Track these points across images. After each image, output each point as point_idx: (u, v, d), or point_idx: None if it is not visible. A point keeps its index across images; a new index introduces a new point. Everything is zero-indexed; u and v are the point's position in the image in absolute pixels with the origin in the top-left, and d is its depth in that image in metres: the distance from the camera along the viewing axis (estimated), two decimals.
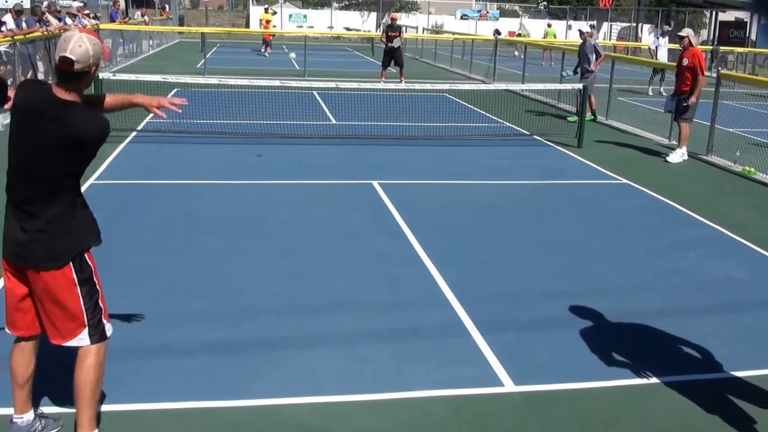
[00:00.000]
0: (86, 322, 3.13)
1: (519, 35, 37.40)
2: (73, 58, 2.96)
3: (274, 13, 33.13)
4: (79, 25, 16.99)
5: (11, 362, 3.25)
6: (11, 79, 12.70)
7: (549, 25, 33.44)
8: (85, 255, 3.19)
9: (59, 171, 3.07)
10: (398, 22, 19.53)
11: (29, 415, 3.31)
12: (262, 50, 28.23)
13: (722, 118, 11.63)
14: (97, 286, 3.21)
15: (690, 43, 10.86)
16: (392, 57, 18.13)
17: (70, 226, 3.12)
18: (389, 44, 18.04)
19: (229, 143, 10.55)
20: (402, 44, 18.52)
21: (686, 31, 11.20)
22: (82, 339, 3.15)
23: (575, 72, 14.37)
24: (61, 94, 3.04)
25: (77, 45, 2.97)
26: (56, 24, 15.40)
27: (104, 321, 3.23)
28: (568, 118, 13.83)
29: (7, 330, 3.15)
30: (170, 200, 7.53)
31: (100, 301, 3.22)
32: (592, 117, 13.89)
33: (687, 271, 6.27)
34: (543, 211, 7.91)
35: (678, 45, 12.41)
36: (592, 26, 35.41)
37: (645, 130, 13.30)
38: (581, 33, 14.48)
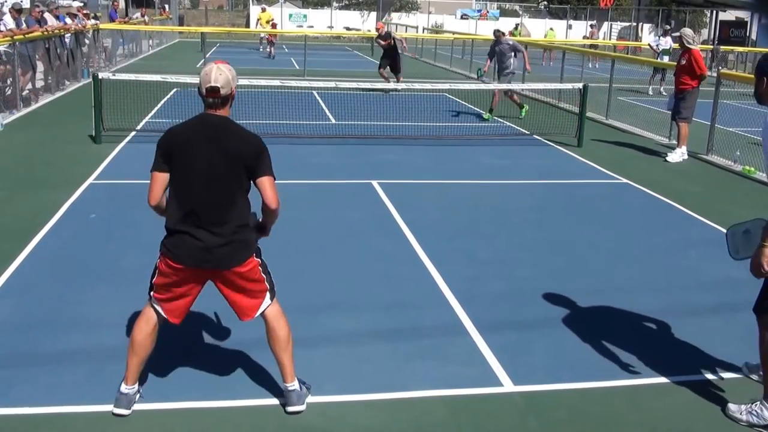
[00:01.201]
0: (268, 288, 3.72)
1: (515, 32, 37.32)
2: (219, 85, 3.47)
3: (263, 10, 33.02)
4: (80, 25, 16.97)
5: (142, 341, 3.66)
6: (11, 79, 12.71)
7: (551, 29, 33.42)
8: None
9: (234, 184, 3.53)
10: (387, 29, 18.25)
11: (135, 387, 3.71)
12: (269, 52, 27.36)
13: (722, 118, 11.62)
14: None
15: (686, 43, 10.85)
16: (390, 59, 17.03)
17: (247, 225, 3.65)
18: (383, 43, 16.99)
19: None
20: (403, 48, 17.55)
21: (684, 31, 11.20)
22: (266, 302, 3.72)
23: (481, 73, 14.47)
24: (215, 115, 3.56)
25: (218, 74, 3.49)
26: (56, 24, 15.38)
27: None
28: (521, 113, 14.01)
29: (169, 319, 3.68)
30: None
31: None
32: (522, 110, 14.09)
33: (687, 270, 6.27)
34: (543, 211, 7.91)
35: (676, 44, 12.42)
36: (593, 25, 35.37)
37: (645, 130, 13.30)
38: (496, 33, 14.34)
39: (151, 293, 3.68)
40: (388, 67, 17.04)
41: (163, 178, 3.51)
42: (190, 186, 3.48)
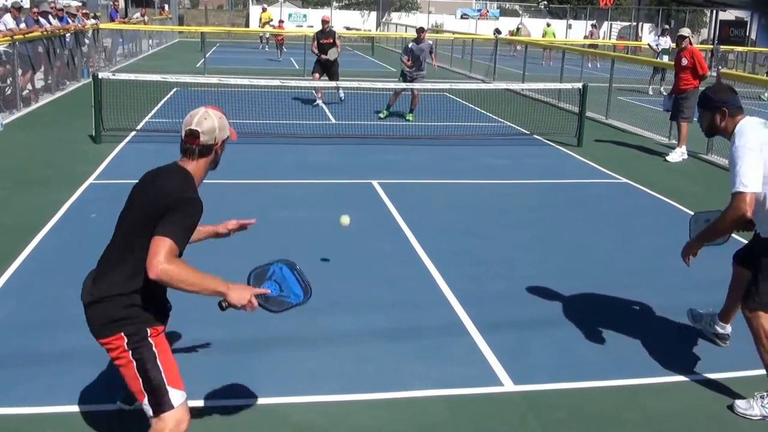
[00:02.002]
0: (145, 395, 2.97)
1: (516, 31, 37.32)
2: (200, 129, 3.02)
3: (264, 10, 32.96)
4: (79, 25, 16.97)
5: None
6: (11, 79, 12.71)
7: (548, 25, 33.44)
8: None
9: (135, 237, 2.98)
10: (333, 27, 15.03)
11: None
12: (278, 53, 26.79)
13: None
14: None
15: (690, 42, 10.87)
16: (325, 69, 14.21)
17: (124, 295, 3.05)
18: (323, 56, 14.09)
19: (229, 143, 10.53)
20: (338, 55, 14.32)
21: (683, 31, 11.20)
22: (146, 409, 3.00)
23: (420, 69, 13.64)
24: (184, 165, 3.08)
25: (203, 118, 3.04)
26: (56, 24, 15.38)
27: None
28: (382, 113, 13.49)
29: (182, 393, 2.99)
30: None
31: None
32: (383, 113, 13.53)
33: (687, 270, 6.23)
34: (543, 210, 7.91)
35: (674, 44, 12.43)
36: (594, 25, 35.29)
37: (645, 130, 13.29)
38: (421, 30, 13.40)
39: (169, 393, 2.94)
40: (325, 74, 14.19)
41: None
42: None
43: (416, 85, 13.20)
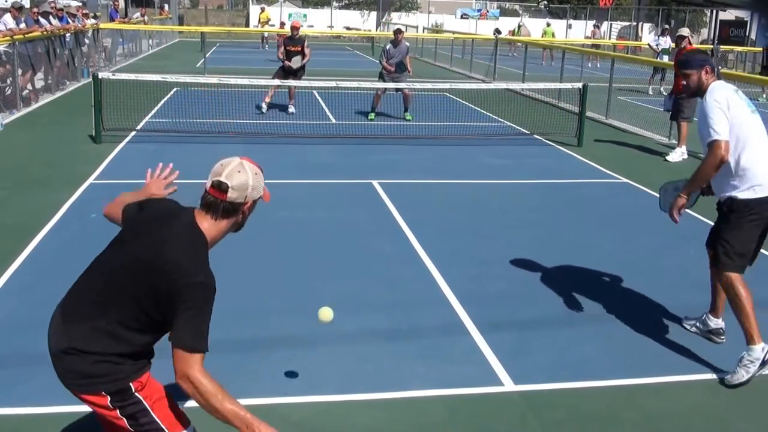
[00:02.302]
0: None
1: (517, 29, 37.31)
2: (230, 184, 2.51)
3: (262, 10, 32.90)
4: (79, 25, 16.97)
5: None
6: (11, 79, 12.71)
7: (548, 24, 33.44)
8: None
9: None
10: (302, 33, 13.87)
11: None
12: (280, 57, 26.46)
13: None
14: None
15: (690, 41, 10.88)
16: (287, 76, 13.08)
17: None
18: (287, 63, 13.18)
19: (229, 143, 10.54)
20: (305, 63, 13.38)
21: (683, 31, 11.21)
22: None
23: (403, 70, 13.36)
24: (201, 221, 2.57)
25: (236, 171, 2.53)
26: (56, 24, 15.39)
27: None
28: (407, 116, 13.30)
29: None
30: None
31: None
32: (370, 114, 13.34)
33: (687, 270, 6.26)
34: (543, 210, 7.91)
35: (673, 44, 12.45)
36: (596, 25, 35.21)
37: (645, 130, 13.29)
38: (398, 32, 13.26)
39: None
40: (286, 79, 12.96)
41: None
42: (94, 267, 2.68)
43: (402, 85, 13.14)
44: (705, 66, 4.45)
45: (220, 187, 2.52)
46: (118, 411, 2.57)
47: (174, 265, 2.44)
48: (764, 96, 18.74)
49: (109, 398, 2.56)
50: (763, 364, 4.18)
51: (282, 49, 13.57)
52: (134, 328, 2.54)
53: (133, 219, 2.66)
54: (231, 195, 2.53)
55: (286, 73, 13.21)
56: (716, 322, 4.85)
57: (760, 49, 28.44)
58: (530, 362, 4.46)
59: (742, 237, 4.42)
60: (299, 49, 13.30)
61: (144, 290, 2.46)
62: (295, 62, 13.20)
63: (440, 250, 6.34)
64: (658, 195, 5.09)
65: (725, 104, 4.28)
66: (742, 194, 4.37)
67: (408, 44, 13.61)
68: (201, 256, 2.53)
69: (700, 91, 4.47)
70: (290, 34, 13.57)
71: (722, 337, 4.79)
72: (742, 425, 3.92)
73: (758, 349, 4.19)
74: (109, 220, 2.87)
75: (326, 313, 3.86)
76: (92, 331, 2.54)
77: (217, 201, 2.54)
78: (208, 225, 2.57)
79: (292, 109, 13.41)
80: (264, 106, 13.28)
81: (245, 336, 4.62)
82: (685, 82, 4.56)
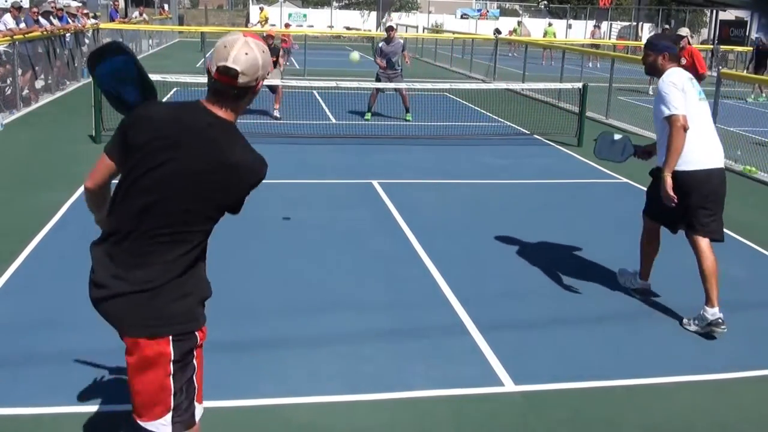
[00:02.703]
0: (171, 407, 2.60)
1: (516, 27, 37.30)
2: (238, 68, 2.32)
3: (261, 10, 32.83)
4: (79, 25, 16.96)
5: None
6: (11, 79, 12.71)
7: (550, 24, 33.42)
8: None
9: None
10: (277, 41, 13.17)
11: None
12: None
13: (723, 117, 11.61)
14: None
15: (689, 41, 10.89)
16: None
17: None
18: None
19: None
20: (282, 71, 12.82)
21: (683, 31, 11.21)
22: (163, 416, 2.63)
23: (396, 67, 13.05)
24: (217, 111, 2.43)
25: (243, 52, 2.33)
26: (57, 24, 15.39)
27: None
28: (407, 117, 13.16)
29: (201, 407, 2.67)
30: None
31: None
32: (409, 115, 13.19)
33: (687, 270, 6.24)
34: (543, 210, 7.90)
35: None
36: (596, 26, 35.18)
37: (645, 130, 13.28)
38: (390, 29, 13.09)
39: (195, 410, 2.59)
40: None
41: (108, 168, 2.62)
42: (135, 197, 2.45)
43: (402, 85, 13.06)
44: (664, 52, 4.96)
45: (229, 73, 2.33)
46: (171, 363, 2.42)
47: (243, 168, 2.43)
48: (763, 96, 18.71)
49: (172, 344, 2.41)
50: (709, 325, 4.81)
51: None
52: (201, 242, 2.47)
53: (150, 140, 2.40)
54: (242, 80, 2.35)
55: None
56: (644, 284, 5.31)
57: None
58: (531, 362, 4.46)
59: (678, 202, 4.85)
60: (274, 59, 12.16)
61: (216, 195, 2.40)
62: (273, 75, 11.74)
63: (440, 250, 6.34)
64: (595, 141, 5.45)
65: (681, 86, 4.81)
66: (684, 168, 4.84)
67: (402, 41, 13.52)
68: (249, 146, 2.49)
69: (655, 71, 5.03)
70: (265, 42, 12.70)
71: (723, 327, 4.80)
72: (743, 426, 3.91)
73: (713, 312, 4.81)
74: (94, 187, 2.70)
75: (355, 56, 4.64)
76: (167, 264, 2.40)
77: (227, 88, 2.37)
78: (223, 114, 2.43)
79: (277, 113, 12.72)
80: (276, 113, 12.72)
81: (245, 336, 4.62)
82: (643, 59, 5.11)
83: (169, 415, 2.48)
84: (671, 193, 4.81)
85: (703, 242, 4.94)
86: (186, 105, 2.47)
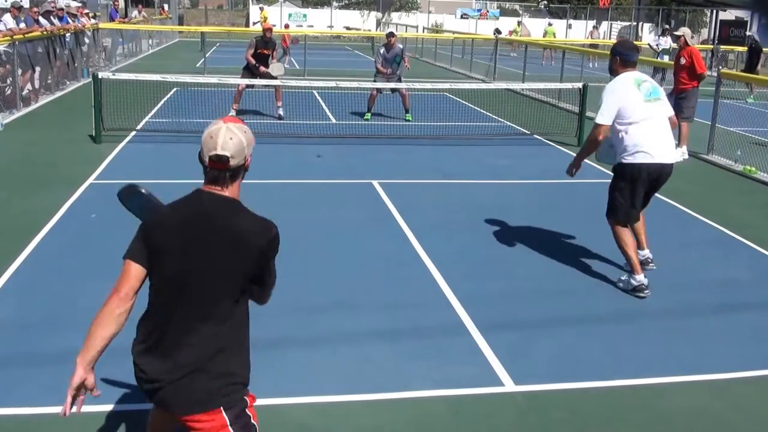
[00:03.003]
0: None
1: (514, 31, 37.28)
2: (228, 154, 2.54)
3: (261, 9, 32.81)
4: (78, 25, 16.95)
5: None
6: (11, 79, 12.71)
7: (550, 24, 33.41)
8: None
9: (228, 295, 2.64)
10: (272, 36, 12.85)
11: None
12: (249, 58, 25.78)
13: (723, 117, 11.61)
14: None
15: (688, 41, 10.87)
16: (254, 77, 12.38)
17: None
18: (262, 68, 12.40)
19: None
20: (283, 64, 12.59)
21: (683, 31, 11.19)
22: None
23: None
24: (220, 192, 2.63)
25: (227, 138, 2.54)
26: (57, 24, 15.38)
27: None
28: (407, 117, 13.18)
29: None
30: (169, 200, 7.51)
31: None
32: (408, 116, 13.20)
33: (687, 270, 6.26)
34: (543, 210, 7.90)
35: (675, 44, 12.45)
36: (595, 26, 35.19)
37: None
38: (390, 35, 13.21)
39: None
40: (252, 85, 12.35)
41: (137, 277, 2.62)
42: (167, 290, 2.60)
43: (402, 85, 13.07)
44: (616, 56, 5.65)
45: (221, 161, 2.55)
46: (230, 426, 2.57)
47: (249, 233, 2.58)
48: (751, 98, 18.69)
49: (224, 412, 2.56)
50: (634, 290, 5.55)
51: (252, 50, 12.48)
52: (234, 315, 2.63)
53: (166, 238, 2.62)
54: (233, 163, 2.57)
55: (251, 74, 12.41)
56: (639, 279, 5.56)
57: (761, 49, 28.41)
58: (531, 362, 4.46)
59: (624, 194, 5.70)
60: (270, 52, 12.63)
61: (235, 266, 2.56)
62: (275, 69, 12.35)
63: (440, 250, 6.34)
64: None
65: (620, 93, 5.51)
66: (625, 159, 5.56)
67: (401, 46, 13.55)
68: (255, 214, 2.65)
69: (611, 71, 5.75)
70: (263, 35, 12.61)
71: (647, 292, 5.50)
72: (744, 426, 3.92)
73: (639, 278, 5.51)
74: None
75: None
76: (206, 342, 2.57)
77: (222, 173, 2.59)
78: (227, 192, 2.63)
79: (281, 111, 12.73)
80: (233, 111, 12.27)
81: None
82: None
83: None
84: (573, 170, 6.14)
85: (623, 230, 5.77)
86: (190, 197, 2.69)
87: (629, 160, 5.54)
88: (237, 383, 2.62)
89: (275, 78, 12.36)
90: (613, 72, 5.68)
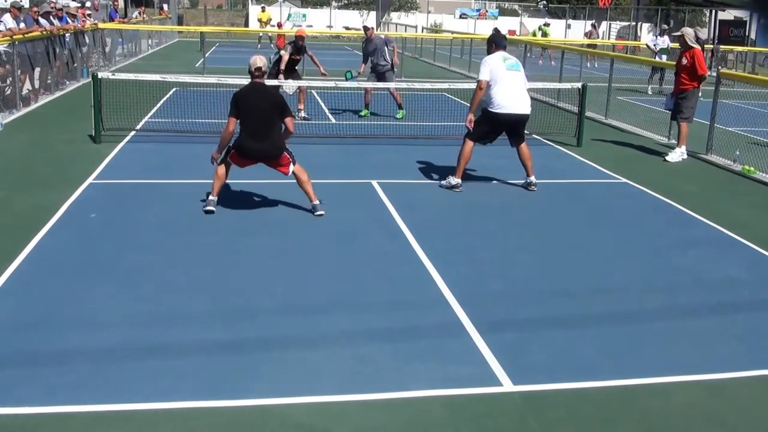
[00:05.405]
0: (290, 161, 7.17)
1: (537, 31, 37.26)
2: (262, 66, 7.04)
3: (263, 9, 32.79)
4: (79, 25, 16.96)
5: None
6: (11, 79, 12.71)
7: (547, 24, 33.36)
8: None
9: (275, 119, 7.04)
10: (305, 43, 12.84)
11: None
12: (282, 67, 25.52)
13: (722, 117, 11.62)
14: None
15: (688, 42, 10.87)
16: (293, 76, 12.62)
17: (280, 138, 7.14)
18: (281, 76, 12.25)
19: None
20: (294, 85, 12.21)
21: (685, 30, 11.19)
22: (291, 165, 7.17)
23: (350, 76, 13.06)
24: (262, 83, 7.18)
25: (262, 61, 7.04)
26: (57, 24, 15.38)
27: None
28: (399, 114, 13.31)
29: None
30: (169, 200, 7.53)
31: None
32: (401, 112, 13.33)
33: (687, 270, 6.27)
34: (542, 210, 7.91)
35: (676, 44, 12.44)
36: (593, 25, 35.20)
37: (644, 129, 13.30)
38: (365, 29, 13.22)
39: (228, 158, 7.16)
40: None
41: (235, 120, 6.95)
42: (250, 120, 6.93)
43: (391, 85, 13.07)
44: (492, 42, 8.46)
45: (261, 70, 7.03)
46: (288, 155, 7.14)
47: (282, 100, 7.16)
48: (649, 91, 19.06)
49: (287, 153, 7.12)
50: (452, 187, 8.35)
51: (287, 57, 12.50)
52: (278, 125, 7.04)
53: (255, 96, 7.01)
54: (264, 68, 7.12)
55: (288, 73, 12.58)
56: (456, 181, 8.32)
57: (760, 49, 28.51)
58: (529, 362, 4.47)
59: (483, 127, 8.34)
60: (300, 58, 12.98)
61: (277, 112, 6.98)
62: (290, 88, 12.14)
63: (439, 250, 6.35)
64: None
65: (491, 63, 8.25)
66: (490, 109, 8.23)
67: (383, 37, 13.50)
68: (275, 90, 7.60)
69: (488, 52, 8.42)
70: (295, 42, 12.66)
71: (460, 188, 8.38)
72: (743, 426, 3.92)
73: (457, 180, 8.35)
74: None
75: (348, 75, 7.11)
76: (275, 133, 7.01)
77: (260, 74, 7.05)
78: (263, 81, 7.20)
79: (303, 113, 12.85)
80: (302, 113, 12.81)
81: (245, 336, 4.63)
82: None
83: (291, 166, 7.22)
84: (471, 123, 8.27)
85: (469, 144, 8.38)
86: (252, 84, 7.09)
87: (491, 108, 8.21)
88: (283, 146, 7.06)
89: (294, 72, 12.69)
90: (489, 52, 8.38)
